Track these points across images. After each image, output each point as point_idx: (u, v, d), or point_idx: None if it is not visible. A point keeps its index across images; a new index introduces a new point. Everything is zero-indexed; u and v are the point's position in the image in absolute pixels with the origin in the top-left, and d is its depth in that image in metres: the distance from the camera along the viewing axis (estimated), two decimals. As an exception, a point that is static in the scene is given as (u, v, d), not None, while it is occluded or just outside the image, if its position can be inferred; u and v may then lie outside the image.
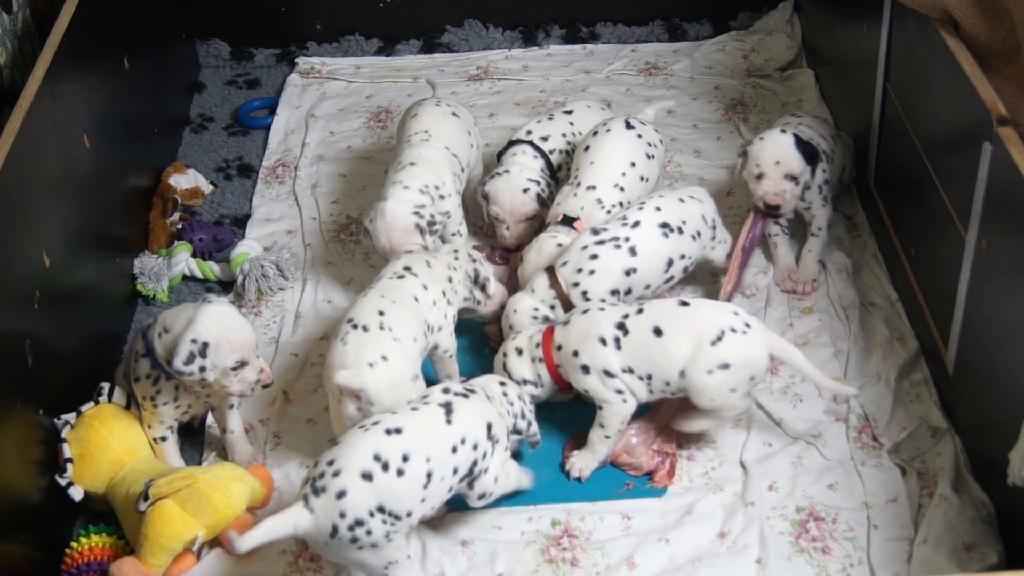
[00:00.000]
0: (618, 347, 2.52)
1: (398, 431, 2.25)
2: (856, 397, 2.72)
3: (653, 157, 3.04)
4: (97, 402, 2.60)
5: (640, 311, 2.55)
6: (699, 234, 2.86)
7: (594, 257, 2.73)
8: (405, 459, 2.22)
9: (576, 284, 2.71)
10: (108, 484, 2.51)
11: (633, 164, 2.98)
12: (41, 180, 2.63)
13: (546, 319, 2.71)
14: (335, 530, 2.17)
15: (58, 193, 2.72)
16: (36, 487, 2.44)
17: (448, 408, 2.33)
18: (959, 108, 2.50)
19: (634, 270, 2.75)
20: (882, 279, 3.04)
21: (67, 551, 2.46)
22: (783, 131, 2.95)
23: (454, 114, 3.19)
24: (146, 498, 2.37)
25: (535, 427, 2.50)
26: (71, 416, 2.55)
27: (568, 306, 2.71)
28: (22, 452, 2.41)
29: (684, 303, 2.55)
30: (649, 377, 2.52)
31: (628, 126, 3.03)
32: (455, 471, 2.30)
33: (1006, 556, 2.34)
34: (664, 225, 2.79)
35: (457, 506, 2.46)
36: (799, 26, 3.98)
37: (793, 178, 2.91)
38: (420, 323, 2.62)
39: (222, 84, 4.01)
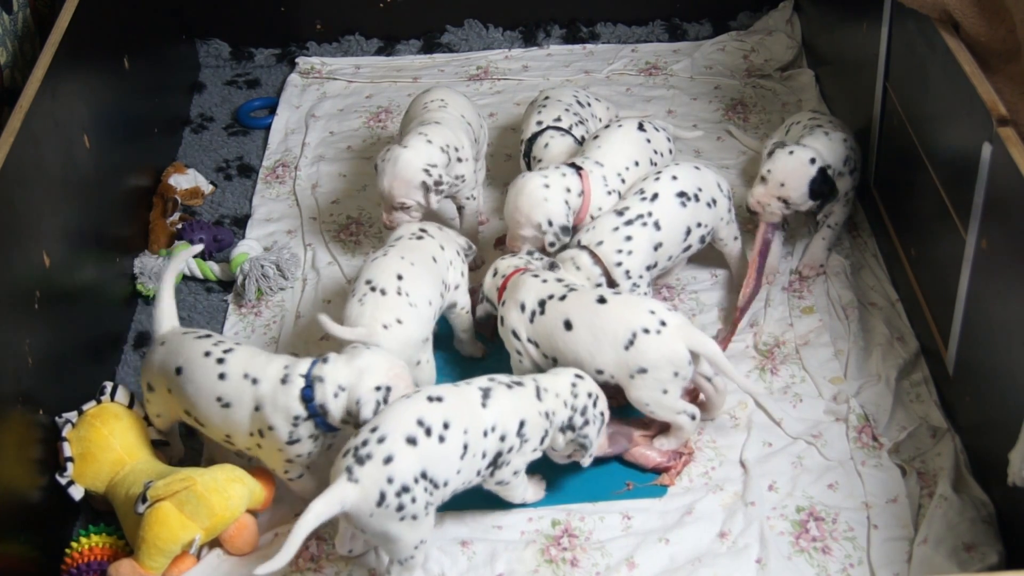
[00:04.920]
0: (531, 320, 2.60)
1: (439, 399, 2.30)
2: (856, 397, 2.72)
3: (656, 165, 3.03)
4: (99, 401, 2.60)
5: (563, 298, 2.60)
6: (714, 202, 2.88)
7: (629, 238, 2.77)
8: (446, 426, 2.27)
9: (619, 264, 2.76)
10: (109, 484, 2.50)
11: (637, 163, 2.99)
12: (41, 180, 2.63)
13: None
14: (383, 497, 2.19)
15: (58, 193, 2.73)
16: (36, 487, 2.45)
17: (486, 393, 2.37)
18: (959, 108, 2.50)
19: (660, 244, 2.81)
20: (882, 279, 3.04)
21: (67, 551, 2.46)
22: (813, 160, 2.93)
23: (463, 94, 3.31)
24: (144, 500, 2.37)
25: (591, 431, 2.44)
26: (72, 415, 2.55)
27: (612, 283, 2.76)
28: (22, 452, 2.41)
29: (602, 300, 2.57)
30: (554, 360, 2.59)
31: (640, 128, 3.05)
32: (484, 455, 2.33)
33: (1006, 556, 2.35)
34: (681, 194, 2.83)
35: (457, 506, 2.46)
36: (799, 26, 3.98)
37: (785, 201, 2.92)
38: (438, 284, 2.71)
39: (222, 84, 4.01)
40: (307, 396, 2.37)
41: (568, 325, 2.56)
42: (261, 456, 2.47)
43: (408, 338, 2.57)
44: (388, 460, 2.20)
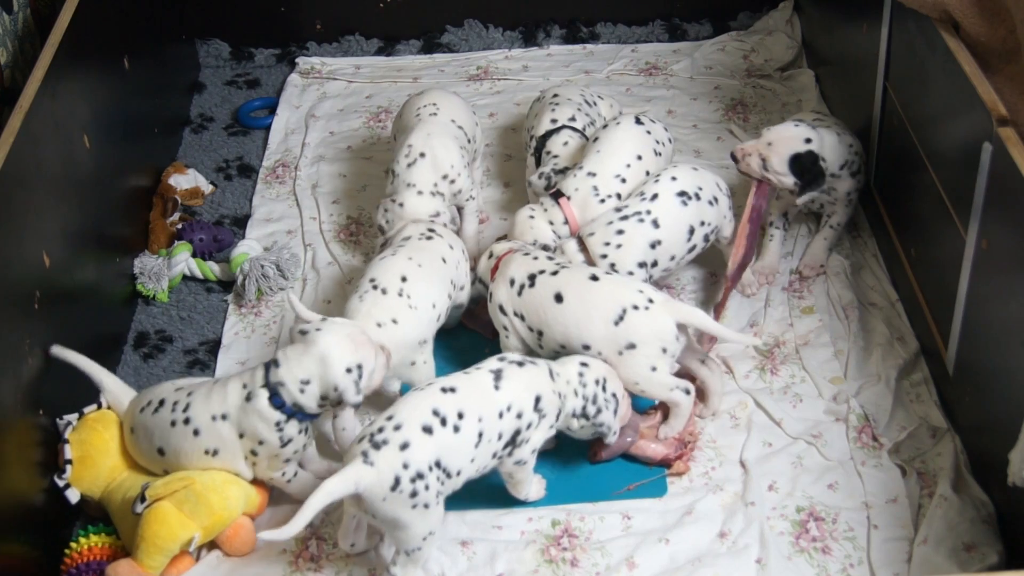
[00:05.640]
0: (518, 294, 2.64)
1: (453, 390, 2.33)
2: (856, 397, 2.72)
3: (660, 155, 3.07)
4: (100, 404, 2.60)
5: (555, 273, 2.64)
6: (716, 200, 2.90)
7: (620, 232, 2.79)
8: (460, 416, 2.30)
9: (604, 256, 2.78)
10: (105, 489, 2.50)
11: (640, 158, 3.01)
12: (41, 180, 2.63)
13: None
14: (397, 482, 2.21)
15: (58, 193, 2.73)
16: (36, 488, 2.44)
17: (498, 375, 2.39)
18: (959, 108, 2.50)
19: (659, 242, 2.81)
20: (882, 279, 3.05)
21: (67, 551, 2.46)
22: (808, 140, 2.91)
23: (456, 94, 3.31)
24: (143, 500, 2.37)
25: (606, 416, 2.47)
26: (73, 417, 2.55)
27: None
28: (22, 453, 2.41)
29: (595, 277, 2.61)
30: (540, 333, 2.62)
31: (638, 122, 3.07)
32: (500, 436, 2.35)
33: (1006, 556, 2.35)
34: (682, 193, 2.85)
35: (457, 506, 2.46)
36: (799, 26, 3.98)
37: (764, 161, 2.92)
38: (446, 285, 2.74)
39: (222, 84, 4.01)
40: (277, 403, 2.38)
41: (559, 298, 2.60)
42: (258, 472, 2.47)
43: (403, 339, 2.58)
44: (404, 446, 2.23)
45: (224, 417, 2.40)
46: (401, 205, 2.94)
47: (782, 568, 2.40)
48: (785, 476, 2.58)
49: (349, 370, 2.36)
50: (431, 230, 2.82)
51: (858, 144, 3.09)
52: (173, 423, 2.44)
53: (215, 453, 2.43)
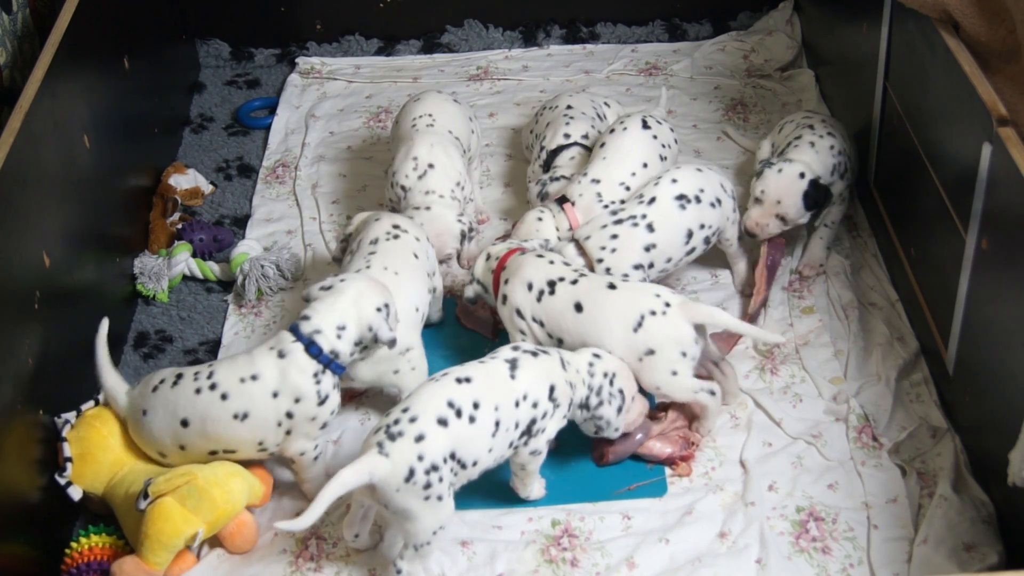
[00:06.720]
0: (538, 300, 2.63)
1: (468, 380, 2.34)
2: (856, 397, 2.72)
3: (666, 159, 3.07)
4: (97, 401, 2.60)
5: (574, 282, 2.63)
6: (719, 202, 2.89)
7: (614, 237, 2.79)
8: (476, 407, 2.31)
9: (600, 260, 2.78)
10: (107, 485, 2.50)
11: (645, 165, 3.01)
12: (41, 180, 2.63)
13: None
14: (412, 473, 2.22)
15: (58, 193, 2.73)
16: (36, 487, 2.45)
17: (513, 364, 2.40)
18: (959, 108, 2.50)
19: (653, 245, 2.81)
20: (882, 279, 3.05)
21: (67, 551, 2.46)
22: (802, 175, 2.94)
23: (455, 100, 3.29)
24: (145, 496, 2.37)
25: (606, 411, 2.47)
26: (71, 415, 2.55)
27: None
28: (22, 452, 2.41)
29: (612, 286, 2.61)
30: (560, 341, 2.62)
31: (645, 125, 3.06)
32: (516, 425, 2.37)
33: (1006, 556, 2.35)
34: (680, 197, 2.84)
35: (457, 506, 2.46)
36: (799, 26, 3.98)
37: (782, 219, 2.94)
38: (424, 281, 2.73)
39: (222, 84, 4.01)
40: (314, 352, 2.41)
41: (579, 307, 2.59)
42: (289, 443, 2.46)
43: (379, 352, 2.55)
44: (420, 439, 2.24)
45: (255, 378, 2.41)
46: (428, 208, 2.95)
47: (782, 568, 2.40)
48: (785, 476, 2.58)
49: (379, 309, 2.45)
50: (395, 226, 2.77)
51: (840, 143, 3.07)
52: (198, 391, 2.44)
53: (244, 417, 2.42)
